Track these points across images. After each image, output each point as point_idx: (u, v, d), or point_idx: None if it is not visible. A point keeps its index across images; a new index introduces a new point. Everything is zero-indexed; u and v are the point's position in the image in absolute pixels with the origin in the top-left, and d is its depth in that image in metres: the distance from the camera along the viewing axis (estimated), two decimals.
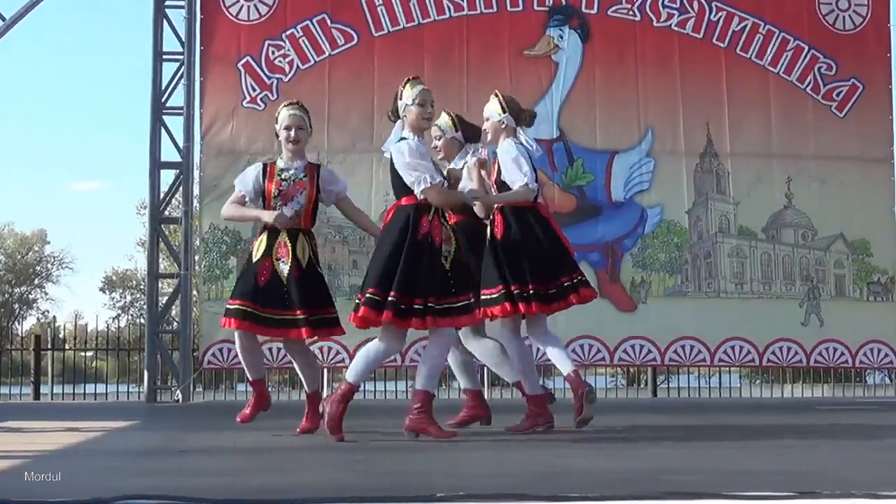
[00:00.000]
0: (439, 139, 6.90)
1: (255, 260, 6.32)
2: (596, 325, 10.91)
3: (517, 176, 6.47)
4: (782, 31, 11.54)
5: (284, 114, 6.46)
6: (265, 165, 6.48)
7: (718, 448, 5.47)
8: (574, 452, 5.27)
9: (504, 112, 6.66)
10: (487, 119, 6.72)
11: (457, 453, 5.20)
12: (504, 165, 6.58)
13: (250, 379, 6.60)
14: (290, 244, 6.27)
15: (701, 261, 11.47)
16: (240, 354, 6.40)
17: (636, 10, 11.39)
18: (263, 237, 6.36)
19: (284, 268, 6.25)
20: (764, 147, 11.53)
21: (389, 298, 5.85)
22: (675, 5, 11.41)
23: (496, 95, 6.75)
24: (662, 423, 7.56)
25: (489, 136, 6.75)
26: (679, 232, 11.43)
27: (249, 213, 6.61)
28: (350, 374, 6.07)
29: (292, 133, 6.40)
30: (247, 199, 6.46)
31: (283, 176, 6.38)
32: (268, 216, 6.29)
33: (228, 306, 6.25)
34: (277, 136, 6.52)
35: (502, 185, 6.58)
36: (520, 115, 6.70)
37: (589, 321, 10.44)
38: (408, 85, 6.21)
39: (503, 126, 6.67)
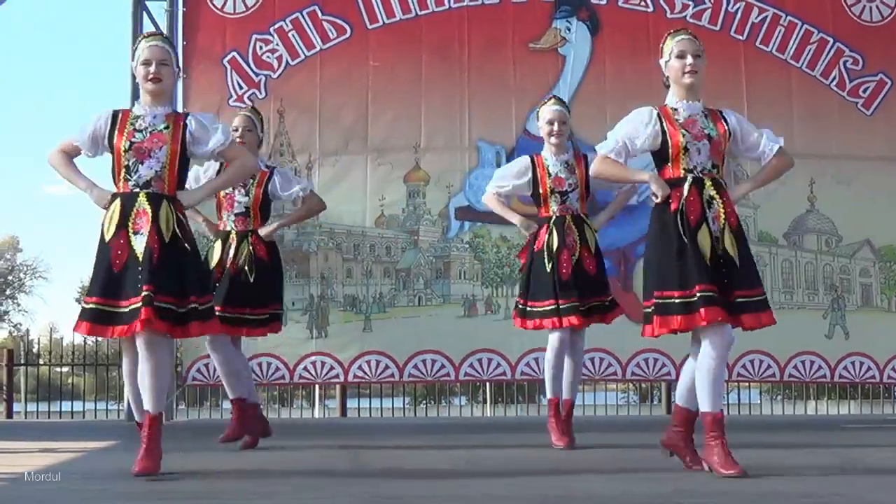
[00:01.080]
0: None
1: (107, 239, 5.33)
2: (607, 337, 10.91)
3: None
4: (805, 22, 11.54)
5: (143, 46, 5.56)
6: (116, 112, 5.52)
7: (761, 471, 5.45)
8: (589, 475, 5.28)
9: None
10: (563, 122, 7.40)
11: (465, 478, 5.21)
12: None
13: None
14: (150, 211, 5.32)
15: None
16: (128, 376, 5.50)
17: (648, 1, 11.39)
18: (115, 206, 5.36)
19: (141, 241, 5.26)
20: (785, 146, 11.51)
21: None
22: None
23: (560, 101, 7.60)
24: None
25: (561, 139, 7.41)
26: None
27: (77, 180, 5.53)
28: (705, 403, 5.29)
29: (152, 69, 5.49)
30: (82, 151, 5.54)
31: (136, 125, 5.44)
32: (93, 194, 5.44)
33: (84, 305, 5.32)
34: (135, 76, 5.68)
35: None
36: None
37: (599, 333, 10.43)
38: None
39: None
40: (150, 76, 5.46)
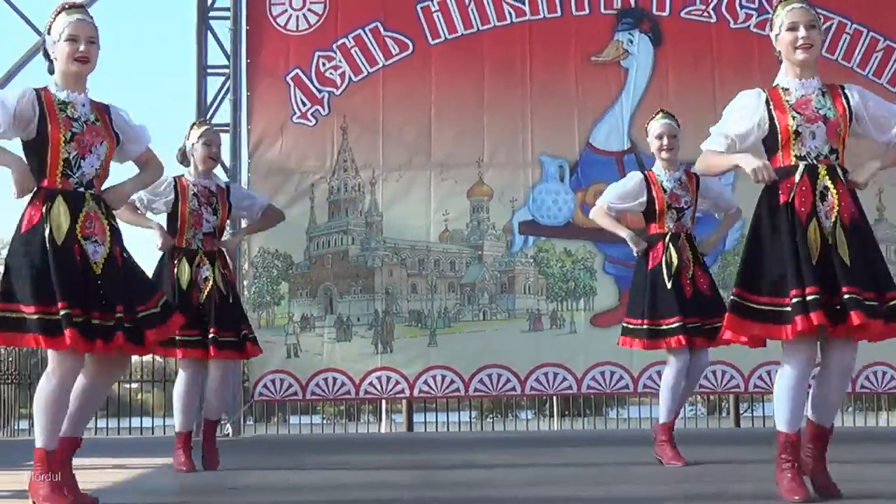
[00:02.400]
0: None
1: (59, 242, 4.58)
2: (728, 350, 10.81)
3: (733, 198, 7.16)
4: (871, 30, 11.42)
5: (65, 19, 4.76)
6: (39, 92, 4.73)
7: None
8: (655, 489, 5.25)
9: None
10: (673, 136, 7.05)
11: (534, 493, 5.19)
12: (716, 188, 7.13)
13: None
14: (102, 216, 4.74)
15: None
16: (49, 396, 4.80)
17: (711, 12, 11.33)
18: (60, 205, 4.64)
19: (96, 249, 4.66)
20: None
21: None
22: (753, 5, 11.33)
23: (669, 114, 7.20)
24: (747, 456, 7.49)
25: (671, 154, 7.05)
26: None
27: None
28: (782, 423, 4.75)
29: (81, 47, 4.73)
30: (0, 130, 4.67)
31: (69, 112, 4.72)
32: (19, 173, 4.63)
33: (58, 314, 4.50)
34: (48, 56, 4.84)
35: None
36: None
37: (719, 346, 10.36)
38: None
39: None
40: (78, 55, 4.70)
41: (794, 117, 4.78)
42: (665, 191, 6.94)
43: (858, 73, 11.34)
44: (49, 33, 4.78)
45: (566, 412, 17.81)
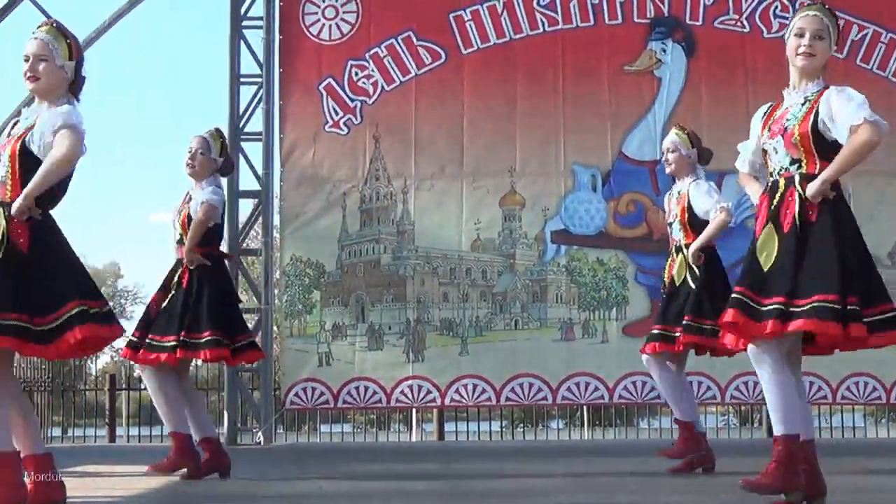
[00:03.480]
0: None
1: None
2: (706, 361, 10.78)
3: (711, 204, 6.84)
4: None
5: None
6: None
7: (845, 496, 5.37)
8: (685, 499, 5.24)
9: (692, 146, 7.09)
10: (672, 151, 7.10)
11: (551, 496, 5.19)
12: (699, 198, 6.96)
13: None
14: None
15: None
16: None
17: (745, 21, 11.30)
18: None
19: None
20: (888, 164, 11.31)
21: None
22: (787, 14, 11.27)
23: (681, 129, 7.22)
24: None
25: (671, 167, 7.16)
26: None
27: None
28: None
29: (27, 66, 4.79)
30: None
31: (10, 128, 4.87)
32: None
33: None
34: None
35: (692, 220, 6.96)
36: (702, 153, 7.15)
37: (698, 357, 10.35)
38: None
39: (689, 160, 7.10)
40: (27, 75, 4.76)
41: (764, 134, 4.76)
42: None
43: (893, 82, 11.29)
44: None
45: (597, 422, 17.77)
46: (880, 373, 11.01)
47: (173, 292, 6.80)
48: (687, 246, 6.96)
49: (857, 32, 11.32)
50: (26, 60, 4.74)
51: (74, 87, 4.84)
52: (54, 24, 4.86)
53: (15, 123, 4.82)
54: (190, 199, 6.95)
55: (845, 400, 11.20)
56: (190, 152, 6.98)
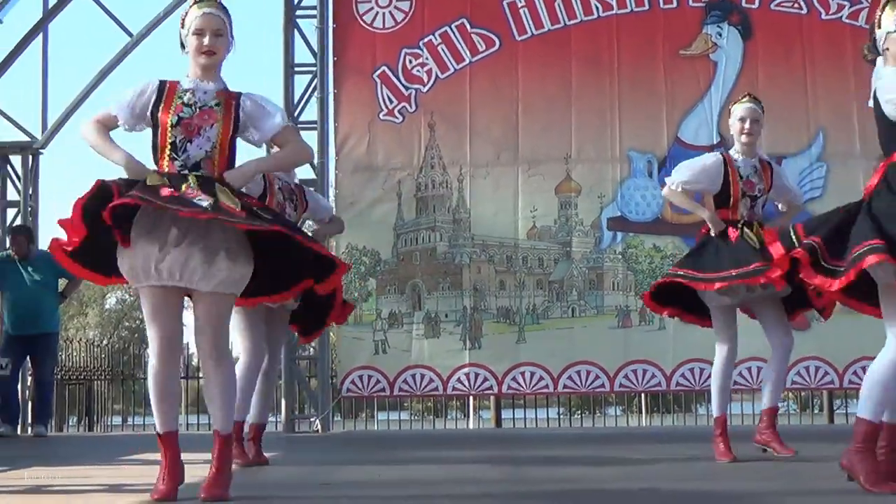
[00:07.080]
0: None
1: None
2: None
3: (800, 192, 7.00)
4: None
5: (194, 13, 4.95)
6: (163, 83, 4.92)
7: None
8: (744, 485, 5.22)
9: None
10: (755, 121, 6.82)
11: (622, 488, 5.18)
12: (787, 180, 7.07)
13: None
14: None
15: None
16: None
17: (802, 3, 11.19)
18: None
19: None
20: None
21: None
22: None
23: (756, 99, 6.95)
24: (840, 454, 7.41)
25: (751, 139, 6.82)
26: None
27: (111, 151, 4.81)
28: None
29: (205, 40, 4.90)
30: (120, 122, 4.89)
31: (185, 99, 4.86)
32: (130, 167, 4.73)
33: None
34: (183, 45, 5.01)
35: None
36: None
37: (758, 341, 10.26)
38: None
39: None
40: (204, 48, 4.88)
41: None
42: (741, 177, 6.74)
43: None
44: (182, 26, 4.97)
45: (655, 409, 17.74)
46: None
47: None
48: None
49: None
50: (200, 34, 4.86)
51: None
52: (221, 3, 5.01)
53: (180, 91, 4.85)
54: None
55: (853, 385, 11.07)
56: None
